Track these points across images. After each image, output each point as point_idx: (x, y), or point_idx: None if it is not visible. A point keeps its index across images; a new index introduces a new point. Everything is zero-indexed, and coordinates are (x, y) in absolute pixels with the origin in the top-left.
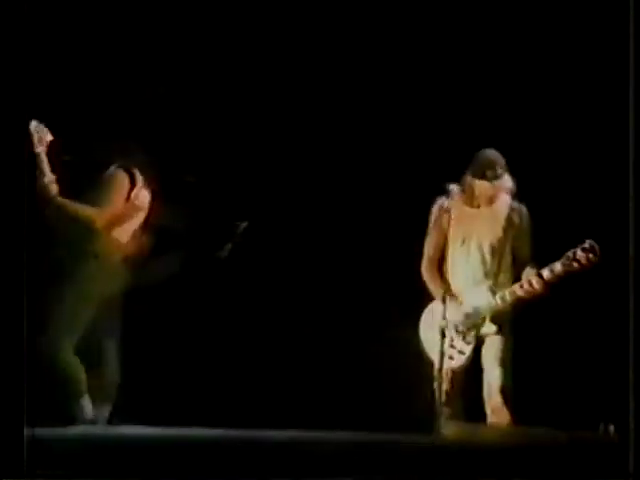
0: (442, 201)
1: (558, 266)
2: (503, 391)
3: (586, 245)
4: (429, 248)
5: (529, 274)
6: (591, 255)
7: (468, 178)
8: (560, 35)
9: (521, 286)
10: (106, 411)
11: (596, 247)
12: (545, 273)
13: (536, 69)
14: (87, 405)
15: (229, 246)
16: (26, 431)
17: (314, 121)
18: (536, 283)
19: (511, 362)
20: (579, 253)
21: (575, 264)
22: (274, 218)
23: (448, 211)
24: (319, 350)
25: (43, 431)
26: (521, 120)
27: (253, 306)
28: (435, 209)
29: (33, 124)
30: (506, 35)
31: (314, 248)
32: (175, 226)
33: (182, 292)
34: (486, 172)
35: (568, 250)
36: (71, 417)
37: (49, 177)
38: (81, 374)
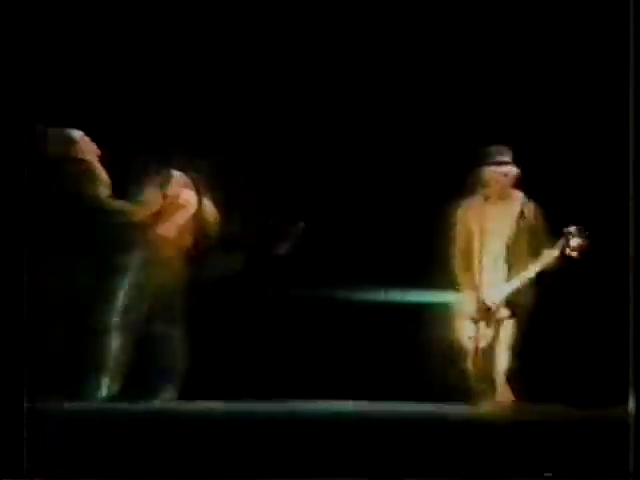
0: (464, 201)
1: (555, 251)
2: (508, 375)
3: (573, 230)
4: (458, 245)
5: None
6: (581, 240)
7: (481, 169)
8: (560, 37)
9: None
10: (173, 392)
11: (583, 232)
12: (554, 252)
13: (537, 71)
14: (105, 385)
15: (287, 245)
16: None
17: (346, 128)
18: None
19: (519, 346)
20: (570, 240)
21: (568, 249)
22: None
23: (470, 210)
24: (367, 330)
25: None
26: (525, 120)
27: (303, 293)
28: (459, 209)
29: (77, 133)
30: (509, 41)
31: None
32: (235, 226)
33: (244, 283)
34: (496, 158)
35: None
36: (88, 393)
37: (102, 180)
38: (117, 358)
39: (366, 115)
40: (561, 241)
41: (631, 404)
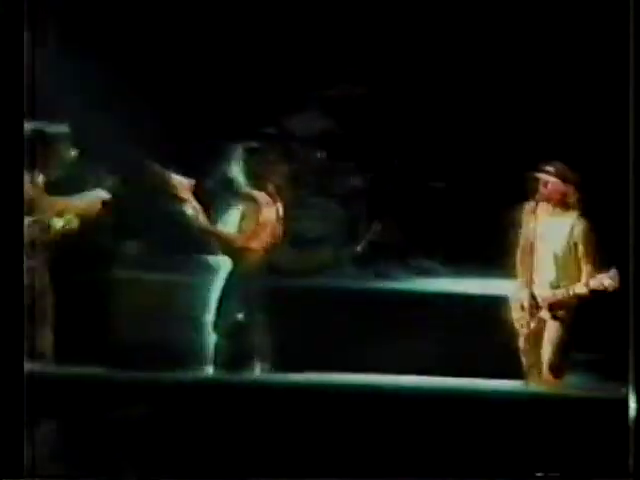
0: (529, 204)
1: (594, 282)
2: (551, 367)
3: (610, 274)
4: (521, 240)
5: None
6: (614, 283)
7: (542, 177)
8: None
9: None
10: (266, 364)
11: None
12: (592, 283)
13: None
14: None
15: (364, 243)
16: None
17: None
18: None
19: (562, 343)
20: (609, 277)
21: (599, 285)
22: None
23: (531, 213)
24: (431, 315)
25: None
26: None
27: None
28: (526, 209)
29: (174, 177)
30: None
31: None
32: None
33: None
34: (544, 170)
35: None
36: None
37: (198, 210)
38: (216, 345)
39: (455, 125)
40: (598, 277)
41: (631, 404)
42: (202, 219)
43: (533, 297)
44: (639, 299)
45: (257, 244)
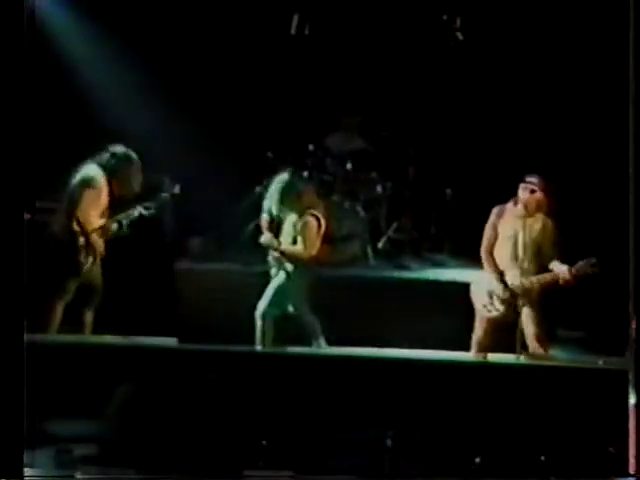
0: (498, 208)
1: (570, 270)
2: (538, 341)
3: (593, 260)
4: (487, 238)
5: (556, 268)
6: (589, 269)
7: (526, 187)
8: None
9: (547, 277)
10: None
11: (594, 264)
12: (575, 269)
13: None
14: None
15: (385, 240)
16: None
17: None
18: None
19: (541, 321)
20: (587, 264)
21: (576, 272)
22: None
23: (501, 215)
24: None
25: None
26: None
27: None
28: (493, 212)
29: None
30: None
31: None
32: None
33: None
34: (526, 181)
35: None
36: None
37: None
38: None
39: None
40: (580, 264)
41: (631, 402)
42: (272, 240)
43: (506, 286)
44: (639, 301)
45: (315, 251)
